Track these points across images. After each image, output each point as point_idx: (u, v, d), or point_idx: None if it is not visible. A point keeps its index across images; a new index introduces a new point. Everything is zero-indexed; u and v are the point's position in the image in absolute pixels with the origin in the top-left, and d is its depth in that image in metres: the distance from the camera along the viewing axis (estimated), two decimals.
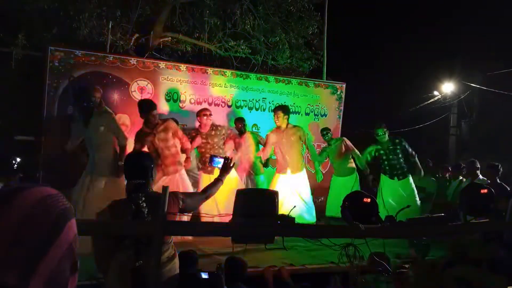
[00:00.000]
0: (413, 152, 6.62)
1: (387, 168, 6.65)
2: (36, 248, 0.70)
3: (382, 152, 6.66)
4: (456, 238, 4.11)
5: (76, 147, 5.23)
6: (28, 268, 0.69)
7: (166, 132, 5.21)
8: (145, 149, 5.15)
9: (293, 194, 6.06)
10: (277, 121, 6.10)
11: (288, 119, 6.13)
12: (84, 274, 3.48)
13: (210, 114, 5.98)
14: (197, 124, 6.13)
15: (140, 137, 5.19)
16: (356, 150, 7.23)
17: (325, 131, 7.39)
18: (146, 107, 5.16)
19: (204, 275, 3.16)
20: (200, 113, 5.96)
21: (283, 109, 6.18)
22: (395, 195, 6.52)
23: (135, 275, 2.38)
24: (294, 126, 6.27)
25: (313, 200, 6.46)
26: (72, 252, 0.76)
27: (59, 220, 0.75)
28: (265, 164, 6.91)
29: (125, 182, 5.11)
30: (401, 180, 6.57)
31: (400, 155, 6.58)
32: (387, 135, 6.59)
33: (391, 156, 6.59)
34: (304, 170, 6.38)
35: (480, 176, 6.59)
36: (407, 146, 6.61)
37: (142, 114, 5.16)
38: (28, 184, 0.76)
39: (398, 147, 6.59)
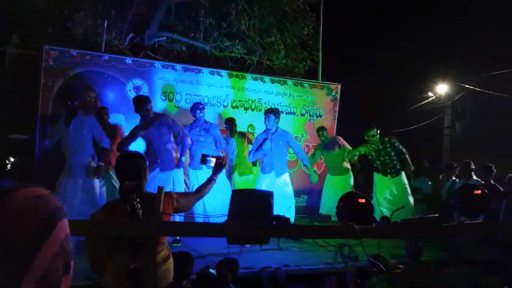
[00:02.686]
0: (404, 149, 6.63)
1: (380, 167, 6.67)
2: (27, 248, 0.70)
3: (373, 153, 6.66)
4: (451, 239, 4.14)
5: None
6: (19, 268, 0.69)
7: (160, 127, 5.17)
8: (139, 145, 5.18)
9: (277, 195, 6.10)
10: (267, 124, 6.14)
11: (278, 123, 6.19)
12: (80, 274, 3.47)
13: (203, 108, 6.02)
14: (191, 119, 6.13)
15: (134, 132, 5.17)
16: (348, 146, 7.29)
17: (321, 131, 7.40)
18: (138, 101, 5.17)
19: (212, 272, 3.22)
20: (194, 107, 6.01)
21: (275, 112, 6.22)
22: (388, 193, 6.56)
23: (131, 276, 2.38)
24: (284, 130, 6.32)
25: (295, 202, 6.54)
26: (64, 252, 0.76)
27: (50, 220, 0.75)
28: (254, 164, 6.94)
29: (101, 184, 5.15)
30: (394, 177, 6.58)
31: (391, 153, 6.58)
32: (377, 136, 6.60)
33: (381, 156, 6.60)
34: (287, 172, 6.42)
35: (474, 177, 6.63)
36: (396, 144, 6.61)
37: (137, 110, 5.15)
38: (20, 184, 0.76)
39: (388, 145, 6.59)
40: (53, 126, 5.21)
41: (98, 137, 5.06)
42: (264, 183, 6.16)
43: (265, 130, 6.26)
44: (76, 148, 4.96)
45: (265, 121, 6.18)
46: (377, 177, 6.75)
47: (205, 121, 6.01)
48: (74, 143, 4.95)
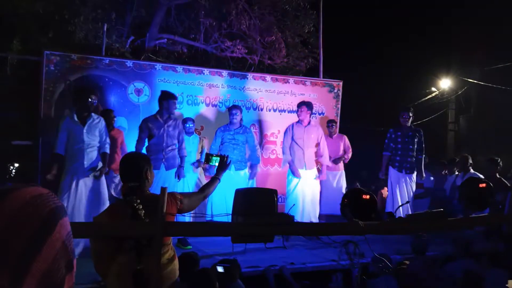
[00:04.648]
0: (424, 149, 6.64)
1: (398, 157, 6.53)
2: (28, 247, 0.70)
3: (399, 137, 6.56)
4: (457, 233, 4.12)
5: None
6: (20, 268, 0.68)
7: (175, 129, 5.40)
8: (153, 140, 5.29)
9: (309, 188, 6.26)
10: (300, 116, 6.29)
11: (310, 115, 6.38)
12: (86, 277, 3.48)
13: (237, 111, 6.22)
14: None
15: (148, 124, 5.28)
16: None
17: (330, 124, 7.47)
18: (169, 94, 5.41)
19: (220, 269, 3.26)
20: (229, 110, 6.24)
21: (307, 104, 6.35)
22: (400, 189, 6.52)
23: (136, 278, 2.37)
24: (316, 124, 6.55)
25: None
26: (66, 251, 0.76)
27: (50, 219, 0.74)
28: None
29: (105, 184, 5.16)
30: (407, 174, 6.51)
31: (415, 146, 6.51)
32: (411, 120, 6.58)
33: (406, 144, 6.50)
34: (316, 167, 6.54)
35: (472, 171, 6.63)
36: (423, 139, 6.59)
37: (163, 100, 5.32)
38: (18, 184, 0.76)
39: (417, 134, 6.55)
40: (63, 126, 4.98)
41: (103, 141, 5.06)
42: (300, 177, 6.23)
43: (298, 121, 6.39)
44: (89, 147, 4.93)
45: (298, 114, 6.36)
46: (391, 172, 6.66)
47: (240, 125, 6.21)
48: (88, 141, 4.93)
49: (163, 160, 5.26)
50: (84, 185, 4.88)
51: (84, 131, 4.88)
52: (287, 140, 6.38)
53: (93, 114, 5.01)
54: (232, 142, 6.08)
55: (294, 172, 6.27)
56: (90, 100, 4.92)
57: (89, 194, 4.90)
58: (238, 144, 6.11)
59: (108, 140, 5.13)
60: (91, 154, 4.95)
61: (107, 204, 5.16)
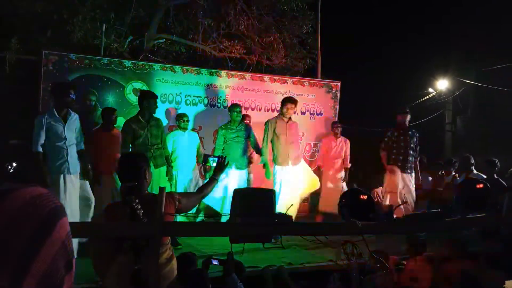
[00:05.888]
0: (418, 150, 6.68)
1: (401, 157, 6.56)
2: (27, 248, 0.70)
3: (401, 136, 6.59)
4: (454, 234, 4.13)
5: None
6: (20, 269, 0.68)
7: (157, 129, 5.41)
8: (139, 141, 5.28)
9: (295, 185, 6.18)
10: (286, 112, 6.17)
11: (294, 112, 6.40)
12: (83, 277, 3.48)
13: (240, 110, 6.26)
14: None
15: (132, 126, 5.25)
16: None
17: (335, 125, 7.43)
18: (149, 93, 5.48)
19: (215, 262, 3.27)
20: (231, 109, 6.22)
21: (294, 101, 6.29)
22: (405, 188, 6.53)
23: (135, 278, 2.38)
24: (294, 121, 6.43)
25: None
26: (65, 251, 0.76)
27: (50, 219, 0.74)
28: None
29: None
30: (409, 173, 6.55)
31: (413, 147, 6.59)
32: (408, 120, 6.66)
33: (407, 143, 6.55)
34: (303, 160, 6.49)
35: (475, 171, 6.63)
36: (418, 140, 6.68)
37: (144, 100, 5.30)
38: (17, 184, 0.75)
39: (417, 135, 6.67)
40: (40, 122, 4.85)
41: (79, 138, 4.97)
42: (283, 174, 6.18)
43: (279, 115, 6.32)
44: (72, 144, 4.84)
45: (284, 110, 6.20)
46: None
47: (240, 123, 6.21)
48: (69, 141, 4.83)
49: (152, 158, 5.28)
50: (71, 181, 4.80)
51: (65, 127, 4.80)
52: (269, 136, 6.21)
53: (70, 110, 4.90)
54: (236, 140, 6.10)
55: (269, 170, 6.24)
56: (70, 96, 4.82)
57: (78, 191, 4.85)
58: (242, 141, 6.15)
59: (82, 138, 5.06)
60: (74, 151, 4.88)
61: (96, 201, 5.17)
